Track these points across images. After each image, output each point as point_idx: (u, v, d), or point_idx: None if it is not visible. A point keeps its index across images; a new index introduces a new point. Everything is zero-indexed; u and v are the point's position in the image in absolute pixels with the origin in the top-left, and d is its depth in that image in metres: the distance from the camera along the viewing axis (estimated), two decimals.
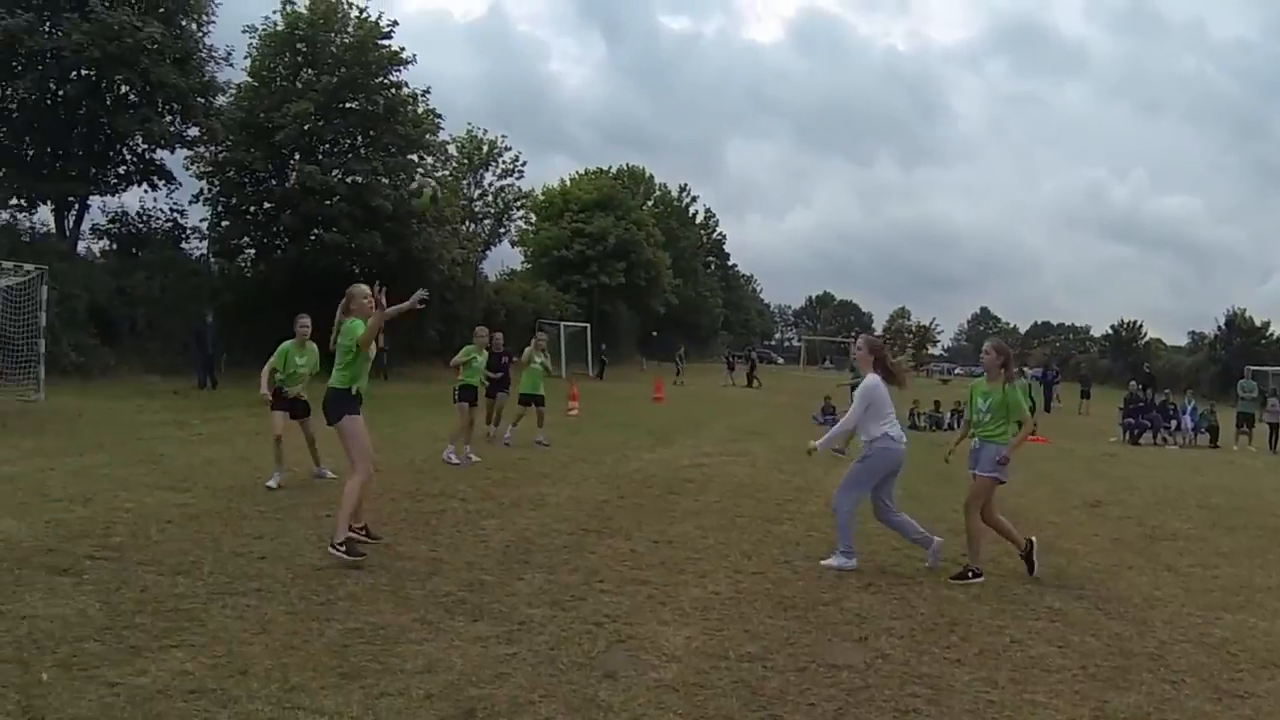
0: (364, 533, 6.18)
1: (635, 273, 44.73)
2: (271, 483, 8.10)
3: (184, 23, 21.70)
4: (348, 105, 25.06)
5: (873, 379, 6.30)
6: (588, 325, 37.72)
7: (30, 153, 21.26)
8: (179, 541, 6.06)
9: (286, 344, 8.52)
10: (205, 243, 25.40)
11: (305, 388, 8.56)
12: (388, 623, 4.71)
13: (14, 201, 21.15)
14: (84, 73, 20.60)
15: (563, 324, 34.97)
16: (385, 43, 25.58)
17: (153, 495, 7.52)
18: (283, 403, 8.45)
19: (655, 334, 51.45)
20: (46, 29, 19.74)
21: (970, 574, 6.10)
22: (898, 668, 4.50)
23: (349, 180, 24.67)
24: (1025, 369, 18.71)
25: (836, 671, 4.39)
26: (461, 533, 6.87)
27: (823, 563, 6.39)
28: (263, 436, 10.18)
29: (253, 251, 26.49)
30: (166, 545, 5.92)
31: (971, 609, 5.57)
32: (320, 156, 25.24)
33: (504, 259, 44.08)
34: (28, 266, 14.84)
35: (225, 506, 7.26)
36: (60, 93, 20.78)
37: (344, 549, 5.68)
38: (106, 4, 19.59)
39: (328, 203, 24.23)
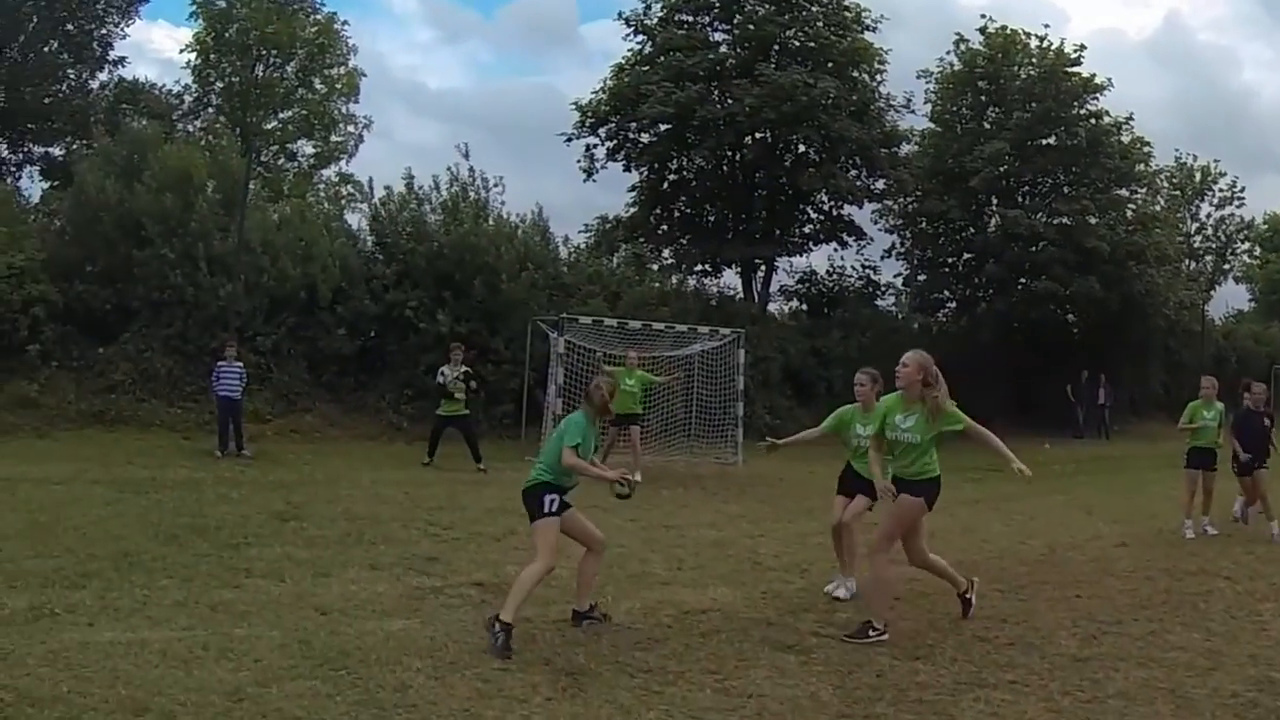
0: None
1: None
2: (831, 586, 7.53)
3: (855, 75, 24.50)
4: (1044, 142, 25.63)
5: None
6: None
7: (711, 219, 26.03)
8: (912, 621, 6.63)
9: (846, 409, 7.79)
10: (901, 299, 27.81)
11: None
12: None
13: (699, 267, 26.05)
14: (759, 135, 24.50)
15: None
16: (1074, 70, 25.61)
17: None
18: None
19: None
20: (716, 97, 23.97)
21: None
22: None
23: (1055, 222, 25.01)
24: None
25: None
26: (1236, 619, 6.68)
27: None
28: (987, 504, 10.55)
29: (953, 305, 28.28)
30: (900, 625, 6.37)
31: None
32: (1021, 199, 25.99)
33: (1229, 299, 39.64)
34: (724, 331, 18.05)
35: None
36: (737, 158, 25.03)
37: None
38: (774, 66, 23.23)
39: (1034, 249, 24.82)
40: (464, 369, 14.57)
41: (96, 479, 11.40)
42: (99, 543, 7.97)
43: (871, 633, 6.11)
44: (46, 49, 25.54)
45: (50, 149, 26.69)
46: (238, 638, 5.63)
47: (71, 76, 26.36)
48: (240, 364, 14.83)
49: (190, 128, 27.98)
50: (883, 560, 6.36)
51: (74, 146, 25.58)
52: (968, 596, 6.81)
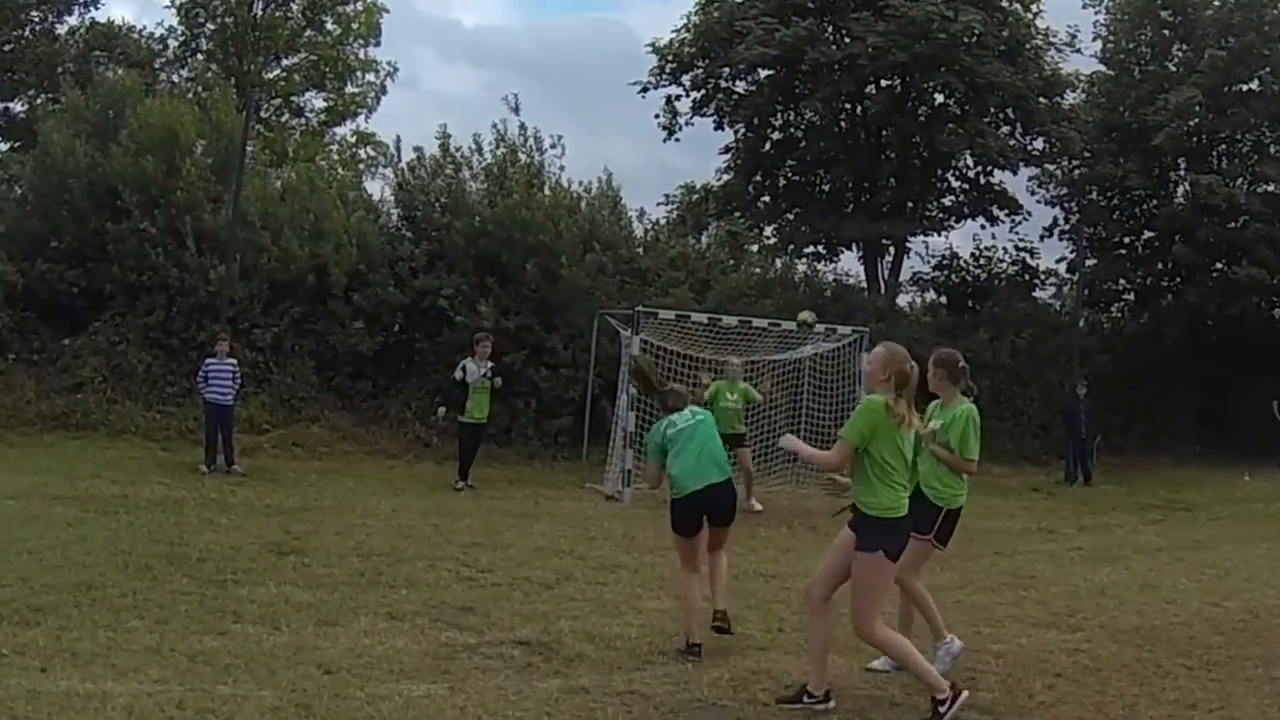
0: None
1: None
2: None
3: (1006, 5, 24.10)
4: (1245, 87, 25.03)
5: None
6: None
7: (826, 187, 25.97)
8: (1075, 705, 6.44)
9: None
10: (1067, 289, 27.27)
11: None
12: None
13: (810, 249, 25.91)
14: (886, 83, 24.44)
15: None
16: None
17: (1030, 635, 8.21)
18: None
19: None
20: (831, 35, 23.91)
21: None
22: None
23: (1260, 190, 24.50)
24: None
25: None
26: None
27: None
28: (1172, 553, 10.22)
29: (1131, 297, 27.93)
30: (1058, 710, 6.29)
31: None
32: (1216, 161, 25.48)
33: None
34: (843, 329, 17.56)
35: (1135, 657, 7.51)
36: (858, 111, 24.99)
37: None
38: None
39: (1233, 224, 24.29)
40: (490, 364, 14.83)
41: (57, 494, 11.60)
42: (57, 571, 8.07)
43: (806, 698, 6.14)
44: None
45: (10, 104, 27.66)
46: (220, 697, 5.62)
47: (36, 19, 27.28)
48: (233, 362, 15.07)
49: (176, 78, 28.74)
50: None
51: (38, 101, 26.44)
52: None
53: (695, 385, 14.26)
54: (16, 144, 25.71)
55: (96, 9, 28.17)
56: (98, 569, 8.28)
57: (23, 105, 27.39)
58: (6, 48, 26.49)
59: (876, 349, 6.46)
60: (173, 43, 30.11)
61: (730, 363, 14.94)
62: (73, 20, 27.95)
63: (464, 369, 14.74)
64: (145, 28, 30.27)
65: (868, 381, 6.51)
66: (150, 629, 6.79)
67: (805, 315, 14.64)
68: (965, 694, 6.06)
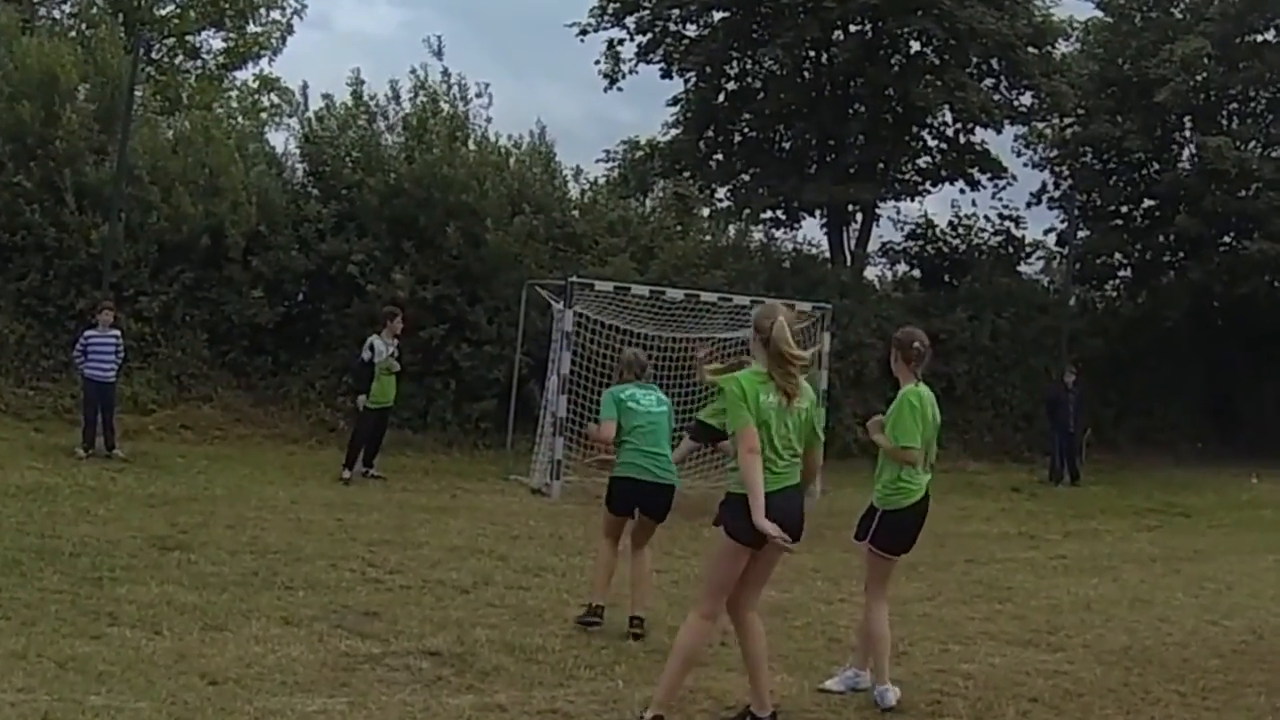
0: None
1: None
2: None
3: None
4: (1258, 38, 25.37)
5: None
6: None
7: (786, 145, 26.06)
8: None
9: None
10: (1056, 264, 27.54)
11: None
12: None
13: (768, 214, 26.01)
14: (855, 28, 24.36)
15: None
16: None
17: (1004, 654, 8.25)
18: None
19: None
20: None
21: None
22: None
23: (1275, 155, 24.81)
24: None
25: None
26: None
27: None
28: (1167, 564, 10.33)
29: (1128, 274, 28.27)
30: None
31: None
32: (1226, 121, 25.79)
33: None
34: (803, 306, 17.05)
35: (1123, 681, 7.62)
36: (824, 59, 24.95)
37: None
38: None
39: (1244, 193, 24.58)
40: (395, 343, 14.93)
41: None
42: None
43: None
44: None
45: None
46: (92, 708, 5.63)
47: None
48: (116, 333, 14.99)
49: (56, 14, 28.15)
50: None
51: None
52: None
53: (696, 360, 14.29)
54: None
55: None
56: None
57: None
58: None
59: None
60: None
61: (697, 351, 14.99)
62: None
63: (371, 347, 14.74)
64: None
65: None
66: (15, 631, 6.77)
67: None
68: None
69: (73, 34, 23.04)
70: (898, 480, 6.82)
